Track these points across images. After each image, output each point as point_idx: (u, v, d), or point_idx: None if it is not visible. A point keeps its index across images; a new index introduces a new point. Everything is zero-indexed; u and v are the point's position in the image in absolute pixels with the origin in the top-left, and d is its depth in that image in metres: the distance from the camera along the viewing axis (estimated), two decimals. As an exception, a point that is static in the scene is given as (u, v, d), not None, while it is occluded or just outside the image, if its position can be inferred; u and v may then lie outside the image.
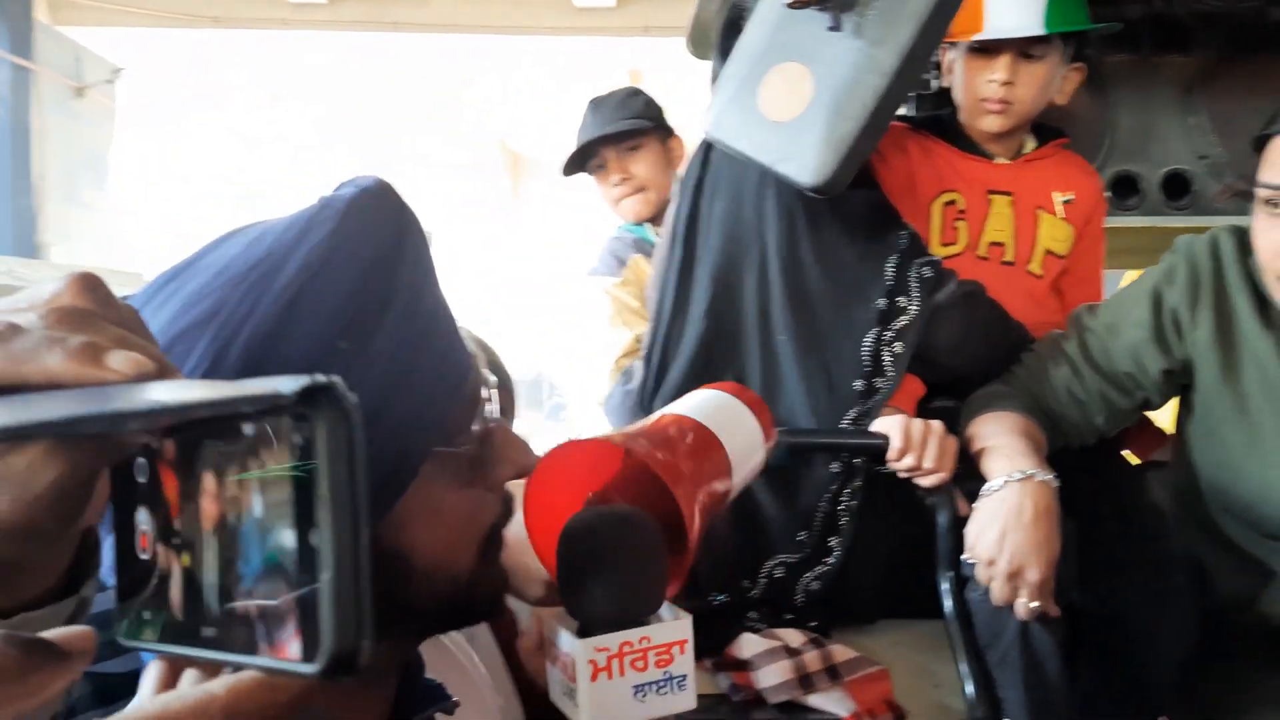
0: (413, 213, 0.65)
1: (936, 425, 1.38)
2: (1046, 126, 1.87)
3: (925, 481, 1.39)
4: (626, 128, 2.22)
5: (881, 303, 1.46)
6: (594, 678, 0.67)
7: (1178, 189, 2.35)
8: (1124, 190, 2.34)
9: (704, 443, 0.82)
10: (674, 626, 0.69)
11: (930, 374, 1.55)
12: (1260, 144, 1.22)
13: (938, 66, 1.85)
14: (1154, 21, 2.22)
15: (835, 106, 1.16)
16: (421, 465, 0.62)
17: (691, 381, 1.51)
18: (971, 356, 1.55)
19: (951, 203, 1.80)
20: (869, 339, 1.46)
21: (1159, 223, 2.36)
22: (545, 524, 0.74)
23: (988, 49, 1.69)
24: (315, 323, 0.58)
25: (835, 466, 1.48)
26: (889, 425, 1.39)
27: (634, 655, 0.68)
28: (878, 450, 1.40)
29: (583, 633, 0.68)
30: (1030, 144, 1.85)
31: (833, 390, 1.47)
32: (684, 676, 0.70)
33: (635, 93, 2.34)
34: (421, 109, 8.06)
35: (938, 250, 1.80)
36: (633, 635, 0.68)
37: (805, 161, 1.18)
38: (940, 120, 1.86)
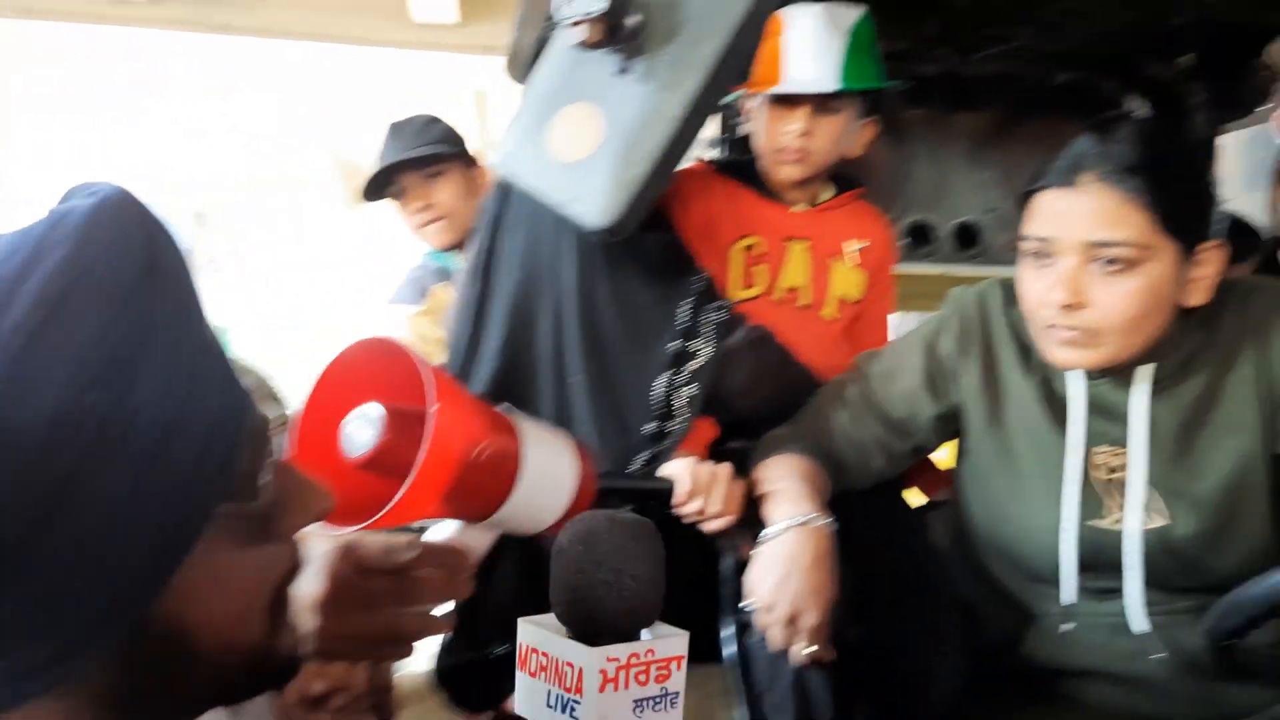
0: (165, 226, 0.55)
1: (723, 469, 1.39)
2: (843, 176, 1.94)
3: (710, 526, 1.39)
4: (427, 153, 2.17)
5: (675, 346, 1.47)
6: (601, 688, 0.66)
7: (968, 239, 2.49)
8: (919, 238, 2.46)
9: (499, 425, 0.80)
10: (674, 641, 0.70)
11: (723, 416, 1.57)
12: (1025, 199, 1.27)
13: (739, 113, 1.89)
14: (948, 79, 2.34)
15: (624, 149, 1.15)
16: (203, 529, 0.53)
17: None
18: (762, 399, 1.57)
19: (751, 247, 1.83)
20: (661, 382, 1.46)
21: (951, 270, 2.49)
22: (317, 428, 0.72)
23: (786, 100, 1.74)
24: (58, 373, 0.47)
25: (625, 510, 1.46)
26: (677, 469, 1.39)
27: (638, 668, 0.68)
28: (665, 494, 1.39)
29: (589, 641, 0.66)
30: (827, 193, 1.91)
31: (625, 433, 1.46)
32: (677, 694, 0.70)
33: (435, 120, 2.29)
34: (253, 116, 7.68)
35: (737, 293, 1.83)
36: (639, 647, 0.68)
37: (593, 203, 1.17)
38: (743, 165, 1.89)
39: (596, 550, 0.67)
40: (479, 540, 0.88)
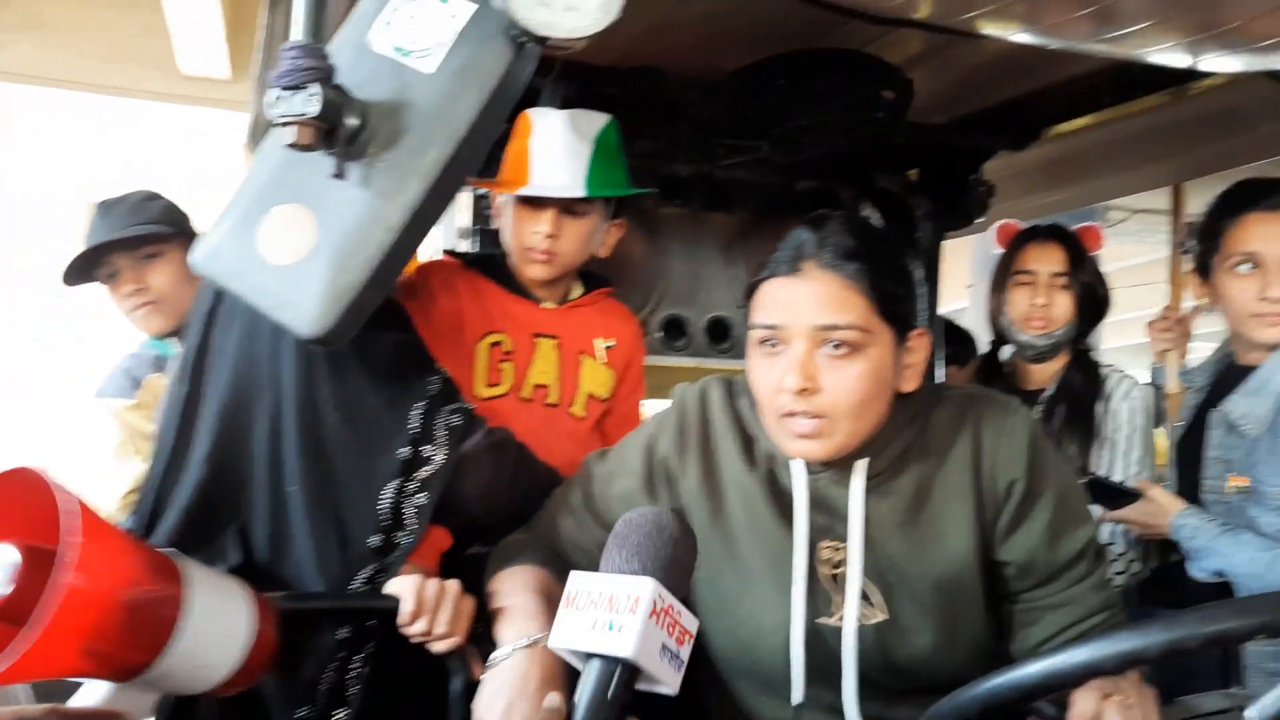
0: None
1: (452, 586, 1.32)
2: (593, 275, 1.95)
3: (437, 647, 1.32)
4: (143, 233, 2.01)
5: (405, 452, 1.39)
6: (651, 614, 0.79)
7: (720, 333, 2.57)
8: (674, 332, 2.51)
9: (157, 568, 0.80)
10: (691, 620, 0.84)
11: (459, 523, 1.51)
12: (751, 291, 1.29)
13: (490, 207, 1.87)
14: (701, 181, 2.43)
15: (338, 256, 1.09)
16: None
17: (185, 533, 1.34)
18: (502, 505, 1.52)
19: (498, 343, 1.80)
20: (389, 491, 1.38)
21: (703, 363, 2.56)
22: None
23: (534, 201, 1.74)
24: None
25: (344, 632, 1.36)
26: (401, 586, 1.31)
27: (670, 621, 0.81)
28: (388, 613, 1.31)
29: None
30: (577, 290, 1.92)
31: (346, 546, 1.36)
32: (682, 662, 0.83)
33: (153, 196, 2.13)
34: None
35: (482, 391, 1.79)
36: (676, 603, 0.82)
37: (304, 311, 1.09)
38: (492, 260, 1.87)
39: (658, 528, 0.86)
40: (136, 704, 0.78)
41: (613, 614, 0.80)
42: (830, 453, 1.24)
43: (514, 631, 1.25)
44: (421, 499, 1.40)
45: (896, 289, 1.24)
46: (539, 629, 1.25)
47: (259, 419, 1.36)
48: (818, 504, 1.31)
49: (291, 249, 1.10)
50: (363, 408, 1.38)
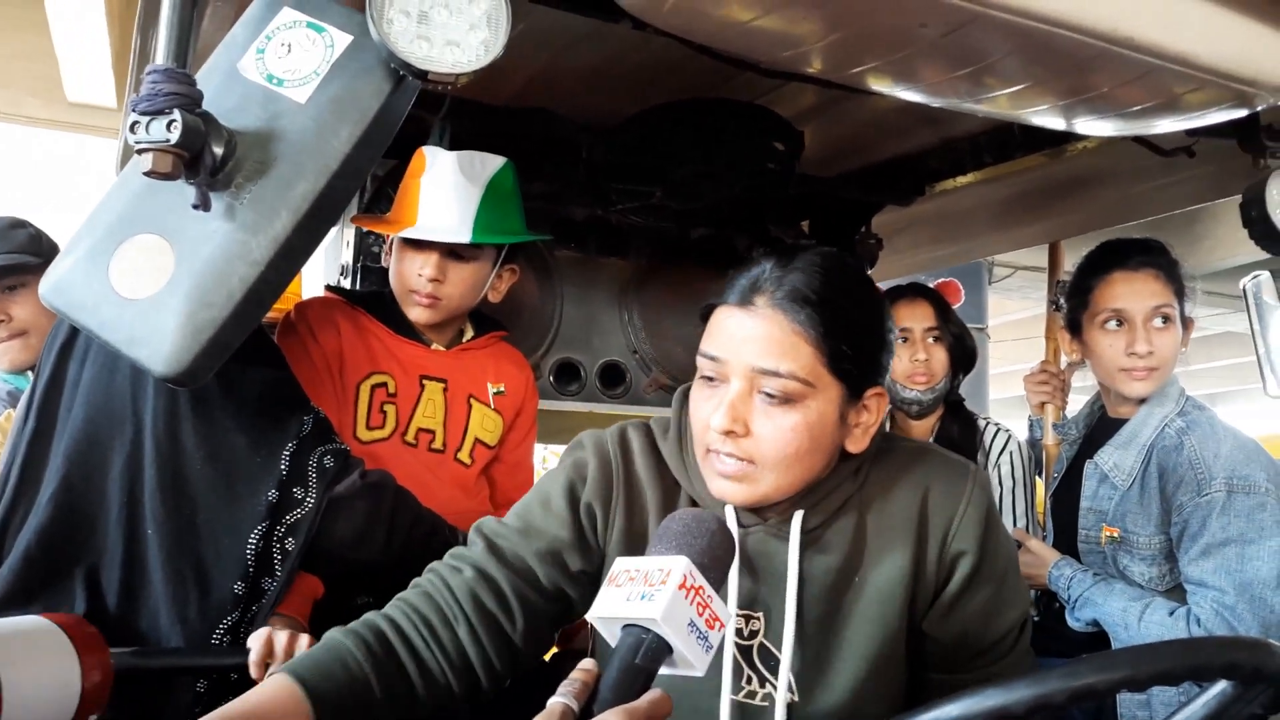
0: None
1: (303, 641, 1.26)
2: (487, 318, 1.91)
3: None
4: (6, 263, 1.91)
5: (273, 494, 1.32)
6: (680, 586, 0.85)
7: (613, 379, 2.54)
8: (567, 377, 2.48)
9: None
10: (724, 610, 0.88)
11: (332, 569, 1.44)
12: (705, 315, 1.18)
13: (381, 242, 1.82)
14: (597, 226, 2.42)
15: (198, 291, 1.03)
16: None
17: (27, 578, 1.24)
18: (378, 550, 1.46)
19: (382, 385, 1.74)
20: (256, 535, 1.31)
21: (596, 409, 2.53)
22: None
23: (419, 243, 1.70)
24: None
25: (201, 686, 1.28)
26: (254, 639, 1.24)
27: (701, 602, 0.86)
28: (241, 668, 1.23)
29: None
30: (468, 333, 1.88)
31: (207, 593, 1.28)
32: (711, 646, 0.86)
33: (19, 224, 2.03)
34: None
35: (364, 434, 1.73)
36: (707, 585, 0.87)
37: (158, 347, 1.03)
38: (380, 299, 1.81)
39: (699, 523, 0.92)
40: None
41: (646, 586, 0.86)
42: (752, 499, 1.14)
43: None
44: (290, 543, 1.34)
45: (854, 343, 1.11)
46: None
47: (115, 457, 1.28)
48: (744, 563, 1.20)
49: (147, 282, 1.04)
50: (229, 447, 1.32)
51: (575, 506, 1.25)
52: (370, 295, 1.85)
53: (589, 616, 0.90)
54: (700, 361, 1.15)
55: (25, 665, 0.74)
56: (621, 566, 0.92)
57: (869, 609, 1.17)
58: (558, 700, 0.83)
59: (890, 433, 1.33)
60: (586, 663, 0.89)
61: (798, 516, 1.16)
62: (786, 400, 1.09)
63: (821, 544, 1.18)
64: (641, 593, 0.86)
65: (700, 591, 0.87)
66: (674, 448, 1.24)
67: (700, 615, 0.86)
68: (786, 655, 1.13)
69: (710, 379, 1.14)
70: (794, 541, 1.15)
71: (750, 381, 1.10)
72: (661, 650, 0.85)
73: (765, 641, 1.17)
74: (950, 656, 1.20)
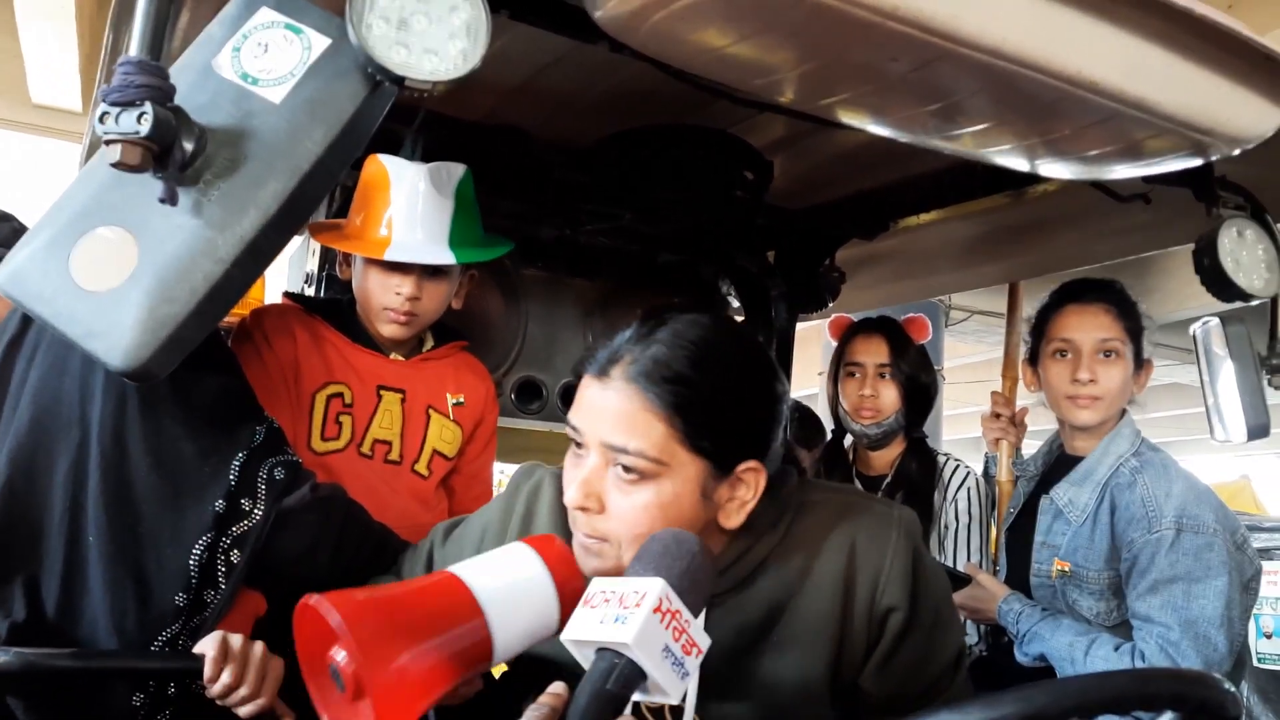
0: None
1: (257, 646, 1.23)
2: (447, 327, 1.90)
3: (244, 711, 1.22)
4: None
5: (220, 505, 1.29)
6: (655, 610, 0.83)
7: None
8: (528, 395, 2.47)
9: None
10: (703, 635, 0.87)
11: (276, 584, 1.41)
12: (575, 380, 1.15)
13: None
14: (564, 245, 2.42)
15: (160, 286, 1.01)
16: None
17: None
18: (326, 565, 1.43)
19: (338, 395, 1.72)
20: (201, 545, 1.28)
21: (556, 428, 2.52)
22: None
23: (396, 265, 1.68)
24: None
25: (139, 698, 1.25)
26: (205, 644, 1.21)
27: (677, 627, 0.84)
28: (191, 674, 1.20)
29: None
30: (429, 342, 1.86)
31: (147, 604, 1.25)
32: (687, 673, 0.85)
33: (5, 216, 1.98)
34: None
35: (318, 445, 1.71)
36: (684, 610, 0.86)
37: (117, 340, 1.01)
38: (337, 306, 1.80)
39: (682, 546, 0.91)
40: None
41: (620, 608, 0.84)
42: (609, 572, 1.05)
43: None
44: (235, 555, 1.31)
45: (716, 420, 1.06)
46: None
47: (59, 460, 1.24)
48: None
49: (108, 275, 1.02)
50: (178, 454, 1.29)
51: (481, 544, 1.27)
52: (327, 303, 1.84)
53: (562, 639, 0.87)
54: (569, 430, 1.11)
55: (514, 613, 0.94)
56: (597, 587, 0.89)
57: (792, 665, 1.13)
58: None
59: (816, 481, 1.29)
60: (556, 686, 0.87)
61: None
62: (640, 478, 1.04)
63: (732, 607, 1.13)
64: (615, 615, 0.84)
65: (677, 616, 0.84)
66: None
67: (676, 640, 0.84)
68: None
69: (576, 449, 1.10)
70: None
71: (604, 456, 1.06)
72: (635, 676, 0.82)
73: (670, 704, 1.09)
74: (887, 704, 1.15)
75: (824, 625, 1.12)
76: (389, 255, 1.64)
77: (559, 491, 1.19)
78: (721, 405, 1.07)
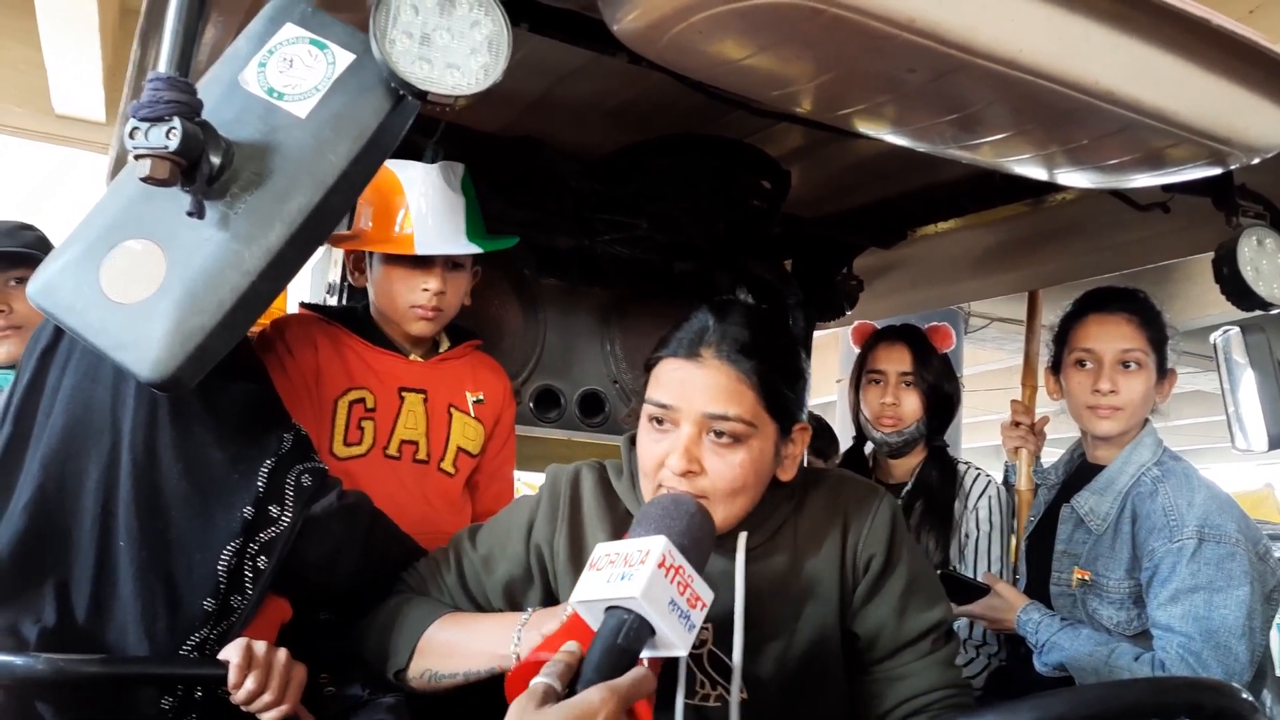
0: None
1: (281, 653, 1.25)
2: (460, 327, 1.93)
3: (266, 717, 1.24)
4: (13, 250, 1.94)
5: (248, 512, 1.31)
6: (660, 565, 0.87)
7: (593, 407, 2.55)
8: (546, 404, 2.48)
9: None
10: (706, 589, 0.91)
11: (300, 591, 1.43)
12: (650, 365, 1.31)
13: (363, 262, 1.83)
14: (581, 255, 2.44)
15: (188, 298, 1.03)
16: None
17: (-3, 590, 1.23)
18: (348, 573, 1.45)
19: (360, 400, 1.74)
20: (229, 552, 1.30)
21: (574, 436, 2.53)
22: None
23: (420, 261, 1.71)
24: None
25: (168, 701, 1.26)
26: (230, 652, 1.23)
27: (681, 581, 0.88)
28: (216, 680, 1.22)
29: None
30: (445, 343, 1.89)
31: (177, 609, 1.27)
32: (693, 625, 0.89)
33: (28, 226, 2.06)
34: None
35: (341, 450, 1.73)
36: (688, 565, 0.90)
37: (146, 352, 1.02)
38: (354, 313, 1.83)
39: (684, 507, 0.98)
40: None
41: (626, 567, 0.88)
42: None
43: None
44: (263, 561, 1.33)
45: (786, 386, 1.28)
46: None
47: (91, 467, 1.27)
48: None
49: (137, 287, 1.04)
50: (207, 461, 1.31)
51: (528, 544, 1.40)
52: (345, 310, 1.87)
53: (571, 602, 0.94)
54: (648, 408, 1.28)
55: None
56: (602, 551, 0.94)
57: (808, 613, 1.32)
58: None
59: (813, 467, 1.46)
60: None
61: (742, 536, 1.28)
62: (735, 441, 1.23)
63: (763, 559, 1.31)
64: (621, 573, 0.88)
65: (680, 571, 0.90)
66: (627, 485, 1.37)
67: (681, 594, 0.89)
68: (738, 658, 1.22)
69: (659, 423, 1.27)
70: (740, 557, 1.26)
71: (700, 426, 1.23)
72: (644, 630, 0.87)
73: (715, 649, 1.29)
74: (871, 653, 1.34)
75: (829, 577, 1.32)
76: (420, 249, 1.68)
77: (600, 475, 1.41)
78: (786, 373, 1.29)
